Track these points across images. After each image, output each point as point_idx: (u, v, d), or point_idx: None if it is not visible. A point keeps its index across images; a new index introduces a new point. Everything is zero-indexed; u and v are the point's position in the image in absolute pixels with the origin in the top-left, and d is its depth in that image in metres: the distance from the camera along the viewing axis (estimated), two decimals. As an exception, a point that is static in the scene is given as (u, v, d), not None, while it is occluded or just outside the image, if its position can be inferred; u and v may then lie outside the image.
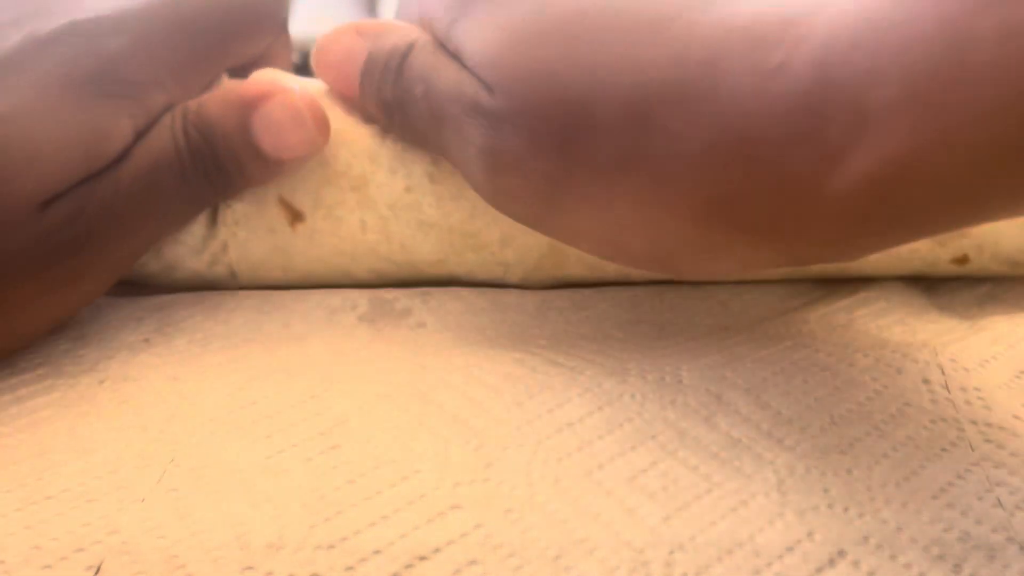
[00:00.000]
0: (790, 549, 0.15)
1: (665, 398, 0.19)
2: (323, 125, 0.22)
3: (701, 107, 0.16)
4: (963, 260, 0.25)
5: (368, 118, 0.24)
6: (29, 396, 0.20)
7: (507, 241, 0.24)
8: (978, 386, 0.19)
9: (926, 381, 0.19)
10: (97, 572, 0.15)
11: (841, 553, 0.15)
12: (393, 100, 0.21)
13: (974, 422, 0.18)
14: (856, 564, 0.15)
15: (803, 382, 0.19)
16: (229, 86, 0.23)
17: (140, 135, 0.21)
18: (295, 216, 0.24)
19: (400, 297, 0.24)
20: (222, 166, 0.22)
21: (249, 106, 0.22)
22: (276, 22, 0.26)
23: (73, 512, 0.16)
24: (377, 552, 0.15)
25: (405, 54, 0.21)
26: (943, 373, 0.19)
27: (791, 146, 0.15)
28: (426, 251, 0.24)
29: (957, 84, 0.13)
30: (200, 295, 0.24)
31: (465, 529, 0.15)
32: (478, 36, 0.19)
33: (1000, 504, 0.16)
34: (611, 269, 0.25)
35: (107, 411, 0.19)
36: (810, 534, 0.15)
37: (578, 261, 0.24)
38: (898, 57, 0.13)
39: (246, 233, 0.24)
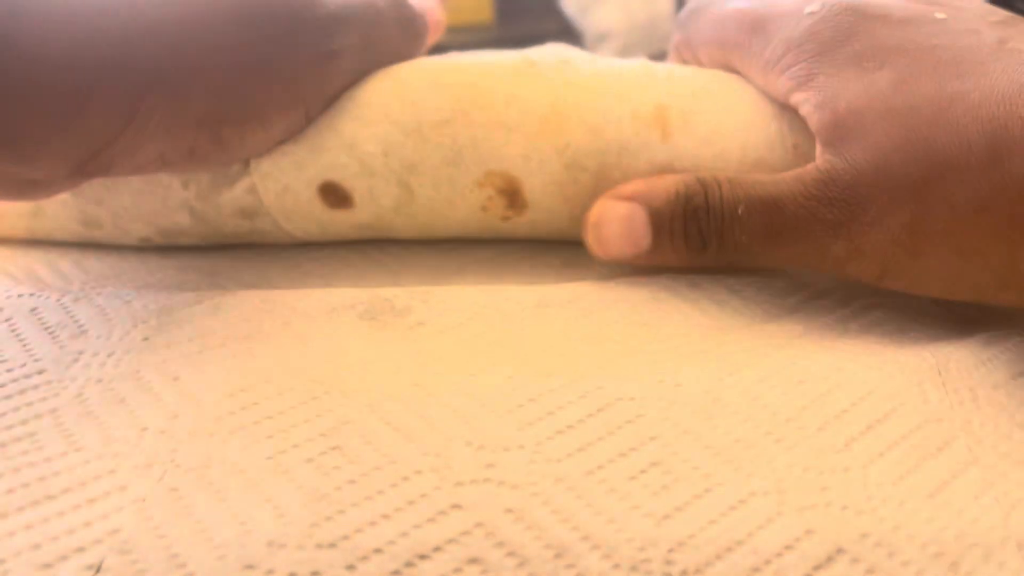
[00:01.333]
0: (789, 547, 0.15)
1: (664, 399, 0.19)
2: None
3: None
4: None
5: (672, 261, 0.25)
6: (28, 394, 0.20)
7: (511, 102, 0.26)
8: (975, 387, 0.19)
9: (923, 381, 0.19)
10: (98, 571, 0.15)
11: (840, 551, 0.15)
12: (708, 232, 0.24)
13: (970, 422, 0.18)
14: (854, 562, 0.15)
15: (800, 382, 0.19)
16: None
17: None
18: None
19: (400, 295, 0.24)
20: (412, 21, 0.29)
21: None
22: None
23: (73, 512, 0.16)
24: (378, 551, 0.15)
25: (704, 188, 0.24)
26: (940, 373, 0.20)
27: None
28: (434, 106, 0.26)
29: None
30: (200, 294, 0.24)
31: (466, 528, 0.15)
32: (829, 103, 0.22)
33: (996, 503, 0.16)
34: (609, 131, 0.26)
35: (106, 410, 0.19)
36: (809, 532, 0.15)
37: (579, 123, 0.26)
38: None
39: None
